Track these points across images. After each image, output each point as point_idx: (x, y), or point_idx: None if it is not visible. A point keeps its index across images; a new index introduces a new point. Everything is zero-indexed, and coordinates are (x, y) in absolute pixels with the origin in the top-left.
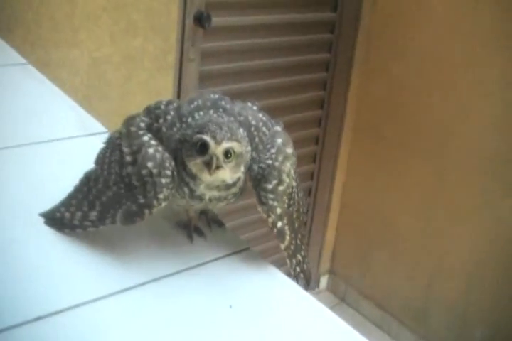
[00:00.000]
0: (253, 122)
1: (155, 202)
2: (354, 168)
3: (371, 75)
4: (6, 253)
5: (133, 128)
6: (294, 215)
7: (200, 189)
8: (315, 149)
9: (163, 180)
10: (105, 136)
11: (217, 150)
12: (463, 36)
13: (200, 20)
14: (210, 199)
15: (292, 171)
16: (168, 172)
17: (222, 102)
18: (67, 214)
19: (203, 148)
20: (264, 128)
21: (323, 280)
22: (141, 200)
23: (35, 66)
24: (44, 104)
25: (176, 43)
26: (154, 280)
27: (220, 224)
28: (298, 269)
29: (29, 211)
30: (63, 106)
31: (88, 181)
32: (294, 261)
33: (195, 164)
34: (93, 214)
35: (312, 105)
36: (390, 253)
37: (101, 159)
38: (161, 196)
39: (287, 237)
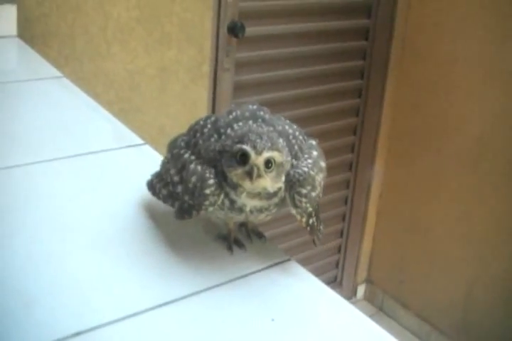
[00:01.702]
0: (290, 131)
1: (203, 207)
2: (390, 177)
3: (406, 82)
4: (44, 267)
5: (175, 150)
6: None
7: (242, 198)
8: (351, 157)
9: (208, 191)
10: (142, 148)
11: (258, 160)
12: (499, 41)
13: (234, 30)
14: (251, 211)
15: (322, 183)
16: (211, 181)
17: (261, 113)
18: (153, 180)
19: (244, 158)
20: (301, 137)
21: (361, 290)
22: (191, 203)
23: (70, 79)
24: (80, 116)
25: (210, 53)
26: (195, 293)
27: (260, 236)
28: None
29: (67, 225)
30: (99, 119)
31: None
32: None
33: (236, 174)
34: (163, 192)
35: (347, 113)
36: (427, 262)
37: (154, 186)
38: (207, 202)
39: (317, 231)
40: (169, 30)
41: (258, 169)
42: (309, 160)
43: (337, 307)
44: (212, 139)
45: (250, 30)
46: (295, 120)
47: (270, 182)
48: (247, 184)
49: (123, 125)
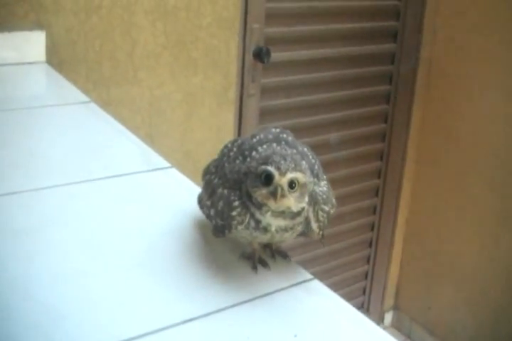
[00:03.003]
0: (309, 153)
1: (233, 226)
2: (417, 202)
3: (433, 106)
4: (73, 284)
5: (207, 177)
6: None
7: (267, 218)
8: (377, 183)
9: (234, 212)
10: (169, 171)
11: (282, 181)
12: None
13: (260, 55)
14: (277, 230)
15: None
16: (236, 203)
17: (284, 135)
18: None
19: (268, 179)
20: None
21: (388, 317)
22: (223, 223)
23: (97, 104)
24: (107, 140)
25: (236, 79)
26: (220, 310)
27: (285, 256)
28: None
29: (96, 244)
30: (126, 142)
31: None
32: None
33: (260, 194)
34: (207, 210)
35: (374, 138)
36: (455, 288)
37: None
38: (234, 222)
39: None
40: (195, 56)
41: (282, 189)
42: (326, 182)
43: (361, 327)
44: (237, 161)
45: (276, 55)
46: (320, 146)
47: (294, 202)
48: (271, 203)
49: (150, 148)
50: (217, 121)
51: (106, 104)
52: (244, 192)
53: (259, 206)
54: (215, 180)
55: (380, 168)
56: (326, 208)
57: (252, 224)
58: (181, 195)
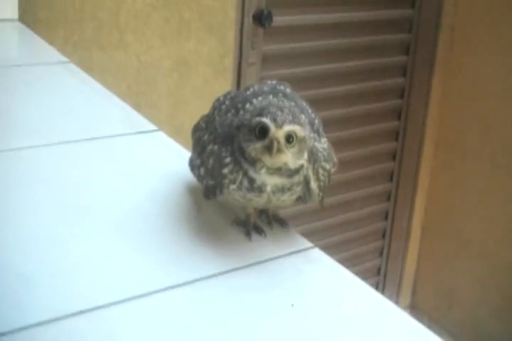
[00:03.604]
0: (309, 108)
1: (224, 185)
2: (437, 188)
3: (455, 79)
4: (48, 250)
5: (197, 134)
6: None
7: (261, 175)
8: (392, 166)
9: (225, 170)
10: (155, 135)
11: (279, 133)
12: None
13: (261, 19)
14: (273, 191)
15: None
16: (228, 160)
17: (282, 87)
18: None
19: (263, 132)
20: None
21: None
22: (213, 183)
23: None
24: (87, 101)
25: (233, 45)
26: (208, 277)
27: (283, 223)
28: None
29: (75, 208)
30: (108, 104)
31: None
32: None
33: (254, 149)
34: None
35: (388, 115)
36: (478, 286)
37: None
38: (225, 181)
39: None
40: (188, 17)
41: (278, 143)
42: (326, 139)
43: (363, 297)
44: (229, 114)
45: (278, 19)
46: (327, 122)
47: (291, 158)
48: (266, 159)
49: (134, 111)
50: (212, 91)
51: (87, 70)
52: (237, 148)
53: (253, 162)
54: (205, 137)
55: (394, 149)
56: (327, 166)
57: (246, 183)
58: (169, 159)
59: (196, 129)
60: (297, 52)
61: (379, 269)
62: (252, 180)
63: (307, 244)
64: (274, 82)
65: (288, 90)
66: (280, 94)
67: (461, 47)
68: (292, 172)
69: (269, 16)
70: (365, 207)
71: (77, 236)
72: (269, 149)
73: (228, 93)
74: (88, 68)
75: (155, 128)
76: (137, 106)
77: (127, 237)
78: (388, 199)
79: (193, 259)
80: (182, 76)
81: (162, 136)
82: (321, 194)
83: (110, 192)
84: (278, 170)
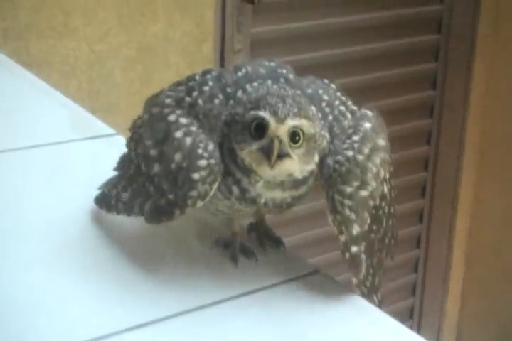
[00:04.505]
0: (325, 97)
1: (188, 202)
2: (483, 203)
3: (503, 63)
4: None
5: (156, 109)
6: (376, 245)
7: (257, 188)
8: (423, 177)
9: (197, 175)
10: (113, 139)
11: (281, 130)
12: None
13: None
14: (266, 204)
15: (383, 172)
16: (203, 162)
17: (283, 71)
18: (105, 189)
19: (260, 128)
20: (342, 107)
21: None
22: (171, 197)
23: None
24: (28, 101)
25: (214, 27)
26: (180, 313)
27: (278, 243)
28: None
29: (6, 230)
30: (54, 106)
31: (122, 163)
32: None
33: (249, 152)
34: (125, 196)
35: (417, 111)
36: None
37: (125, 159)
38: (194, 193)
39: (363, 269)
40: None
41: (280, 143)
42: (355, 137)
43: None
44: (217, 101)
45: None
46: None
47: (298, 164)
48: (264, 170)
49: (87, 113)
50: None
51: (25, 64)
52: (227, 151)
53: (247, 172)
54: (172, 117)
55: (426, 156)
56: (348, 189)
57: (236, 192)
58: None
59: (154, 104)
60: (295, 34)
61: (411, 311)
62: (244, 191)
63: (310, 267)
64: (272, 63)
65: (291, 75)
66: (282, 80)
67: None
68: (298, 184)
69: None
70: None
71: (8, 266)
72: (268, 153)
73: (207, 72)
74: (25, 62)
75: (112, 131)
76: (91, 110)
77: (69, 270)
78: (420, 220)
79: (161, 295)
80: (148, 68)
81: (121, 141)
82: (347, 238)
83: (52, 209)
84: (280, 185)
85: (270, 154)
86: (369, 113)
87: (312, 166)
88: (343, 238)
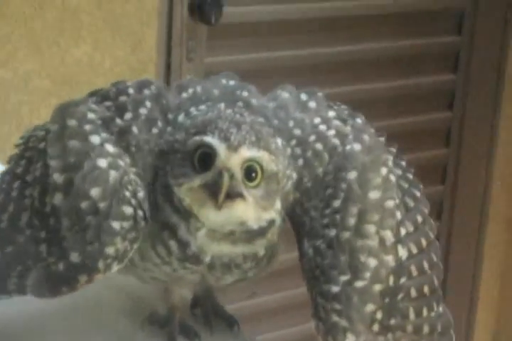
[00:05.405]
0: (296, 132)
1: (100, 264)
2: None
3: None
4: None
5: (72, 122)
6: None
7: (199, 239)
8: (438, 209)
9: (118, 224)
10: None
11: (233, 161)
12: None
13: (203, 9)
14: (212, 265)
15: (390, 234)
16: (129, 210)
17: (244, 93)
18: None
19: (206, 159)
20: (318, 145)
21: None
22: (75, 258)
23: None
24: None
25: (156, 54)
26: None
27: (230, 322)
28: None
29: None
30: None
31: None
32: None
33: (189, 190)
34: None
35: (430, 140)
36: None
37: (5, 180)
38: (110, 251)
39: None
40: (75, 6)
41: (232, 178)
42: (336, 203)
43: None
44: (155, 130)
45: (231, 11)
46: None
47: (254, 209)
48: (207, 213)
49: None
50: None
51: None
52: (160, 188)
53: (187, 215)
54: (94, 138)
55: (440, 196)
56: (333, 289)
57: (174, 248)
58: None
59: (72, 114)
60: (263, 67)
61: None
62: (184, 245)
63: None
64: (232, 82)
65: (254, 100)
66: (240, 104)
67: None
68: (253, 235)
69: (218, 6)
70: None
71: None
72: (214, 190)
73: (144, 85)
74: None
75: None
76: None
77: None
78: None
79: None
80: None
81: None
82: None
83: None
84: (229, 235)
85: (217, 191)
86: (356, 147)
87: (272, 214)
88: None
